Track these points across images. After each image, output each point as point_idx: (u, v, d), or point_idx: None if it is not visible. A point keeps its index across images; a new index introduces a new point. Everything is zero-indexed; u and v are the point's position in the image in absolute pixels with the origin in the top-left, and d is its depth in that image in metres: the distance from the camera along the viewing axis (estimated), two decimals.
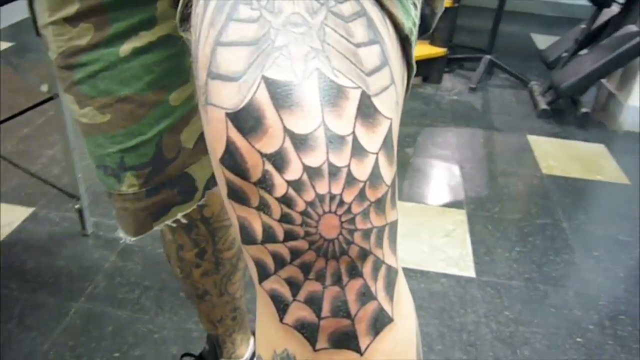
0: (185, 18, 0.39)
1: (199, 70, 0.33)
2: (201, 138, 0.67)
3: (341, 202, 0.31)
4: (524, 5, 3.90)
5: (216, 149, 0.32)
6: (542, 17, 3.94)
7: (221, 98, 0.31)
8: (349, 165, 0.31)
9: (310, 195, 0.30)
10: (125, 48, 0.56)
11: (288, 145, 0.30)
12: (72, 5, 0.54)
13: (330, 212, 0.31)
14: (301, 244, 0.32)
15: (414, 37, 0.38)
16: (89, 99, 0.59)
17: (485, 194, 1.90)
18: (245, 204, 0.32)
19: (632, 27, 2.23)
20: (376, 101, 0.32)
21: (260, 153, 0.30)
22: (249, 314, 1.08)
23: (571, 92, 2.37)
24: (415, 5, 0.38)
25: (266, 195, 0.31)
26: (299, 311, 0.34)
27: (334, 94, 0.30)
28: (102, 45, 0.56)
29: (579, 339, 1.34)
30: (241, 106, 0.30)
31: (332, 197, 0.31)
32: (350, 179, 0.31)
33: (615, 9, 2.40)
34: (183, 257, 0.86)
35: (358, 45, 0.32)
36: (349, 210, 0.31)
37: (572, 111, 2.52)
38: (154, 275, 1.43)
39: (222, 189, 0.34)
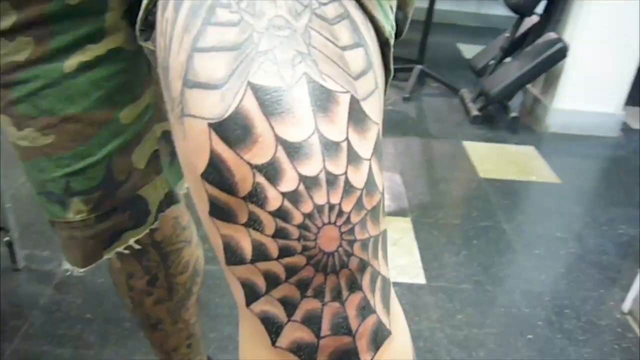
0: (149, 26, 0.36)
1: (173, 79, 0.31)
2: (153, 157, 0.63)
3: (340, 212, 0.29)
4: (450, 17, 4.04)
5: (197, 164, 0.30)
6: (466, 27, 4.10)
7: (202, 108, 0.29)
8: (346, 173, 0.29)
9: (308, 207, 0.29)
10: (70, 63, 0.52)
11: (281, 154, 0.28)
12: (8, 17, 0.49)
13: (329, 223, 0.29)
14: (298, 259, 0.30)
15: (392, 40, 0.37)
16: (29, 119, 0.54)
17: (427, 200, 1.93)
18: (231, 221, 0.30)
19: (552, 35, 2.36)
20: (365, 106, 0.31)
21: (250, 165, 0.28)
22: (204, 339, 1.03)
23: (500, 97, 2.47)
24: (392, 9, 0.37)
25: (257, 210, 0.29)
26: (295, 332, 0.32)
27: (325, 99, 0.29)
28: (43, 60, 0.51)
29: (529, 336, 1.37)
30: (226, 115, 0.28)
31: (332, 207, 0.29)
32: (348, 187, 0.29)
33: (535, 17, 2.53)
34: (133, 285, 0.81)
35: (344, 49, 0.31)
36: (348, 220, 0.30)
37: (502, 116, 2.62)
38: (95, 307, 1.35)
39: (201, 206, 0.32)
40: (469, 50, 3.47)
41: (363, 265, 0.31)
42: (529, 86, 2.63)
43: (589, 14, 2.29)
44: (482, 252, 1.67)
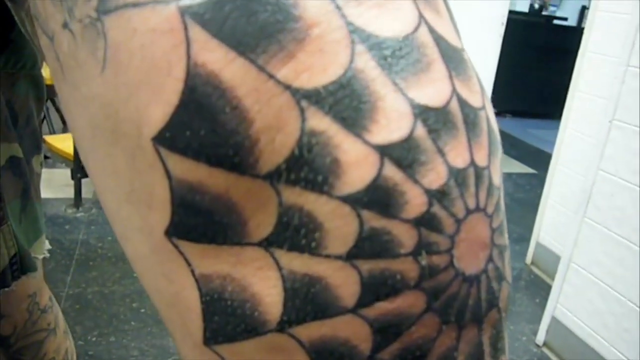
0: None
1: None
2: None
3: (491, 187, 0.14)
4: None
5: (143, 114, 0.13)
6: None
7: None
8: (487, 116, 0.15)
9: (439, 174, 0.13)
10: None
11: (367, 64, 0.13)
12: None
13: (477, 209, 0.14)
14: (408, 303, 0.13)
15: None
16: None
17: None
18: (226, 241, 0.13)
19: None
20: None
21: (291, 89, 0.12)
22: None
23: None
24: None
25: (304, 200, 0.13)
26: None
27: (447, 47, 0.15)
28: None
29: None
30: None
31: (479, 175, 0.14)
32: (493, 138, 0.15)
33: None
34: None
35: None
36: (498, 205, 0.15)
37: None
38: None
39: (137, 220, 0.15)
40: None
41: (509, 298, 0.16)
42: None
43: None
44: None
